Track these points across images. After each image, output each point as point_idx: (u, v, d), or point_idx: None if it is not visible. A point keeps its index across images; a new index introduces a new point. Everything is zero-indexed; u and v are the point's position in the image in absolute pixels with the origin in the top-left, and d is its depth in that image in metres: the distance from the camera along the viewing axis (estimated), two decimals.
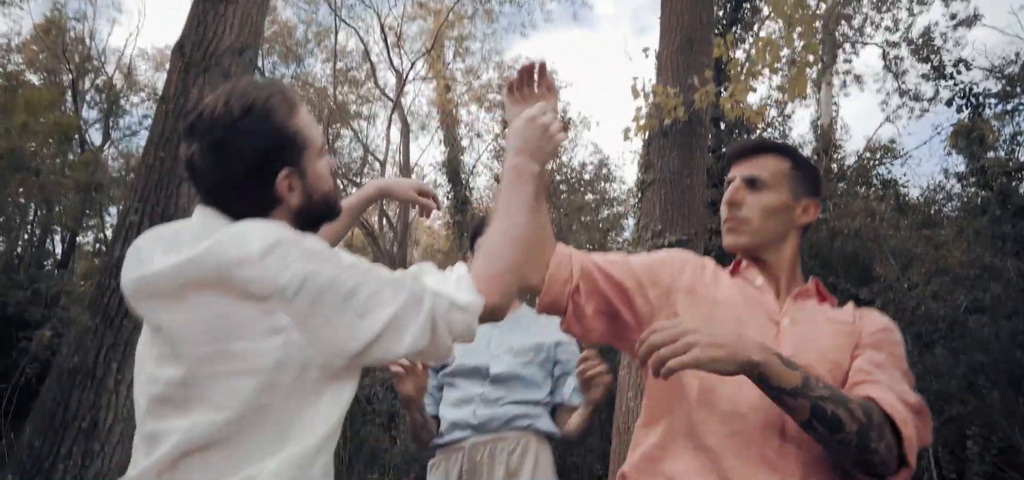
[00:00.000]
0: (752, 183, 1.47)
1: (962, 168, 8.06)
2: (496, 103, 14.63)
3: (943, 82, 6.86)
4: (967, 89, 6.59)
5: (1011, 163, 6.42)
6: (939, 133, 13.38)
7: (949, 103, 6.70)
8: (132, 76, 16.73)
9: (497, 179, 11.66)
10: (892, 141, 11.75)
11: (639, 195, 6.25)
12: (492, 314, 1.21)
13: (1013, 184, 6.41)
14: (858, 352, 1.35)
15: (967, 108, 6.43)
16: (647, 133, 6.17)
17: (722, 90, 6.04)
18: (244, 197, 1.14)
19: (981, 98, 6.62)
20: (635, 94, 6.03)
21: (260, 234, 1.04)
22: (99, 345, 3.75)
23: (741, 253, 1.49)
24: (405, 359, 1.22)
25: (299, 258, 1.04)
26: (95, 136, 15.88)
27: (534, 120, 1.33)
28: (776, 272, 1.47)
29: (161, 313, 1.06)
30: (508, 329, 2.34)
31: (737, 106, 5.76)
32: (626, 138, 6.13)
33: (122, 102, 16.45)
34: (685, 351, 1.11)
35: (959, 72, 6.64)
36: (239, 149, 1.12)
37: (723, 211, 1.50)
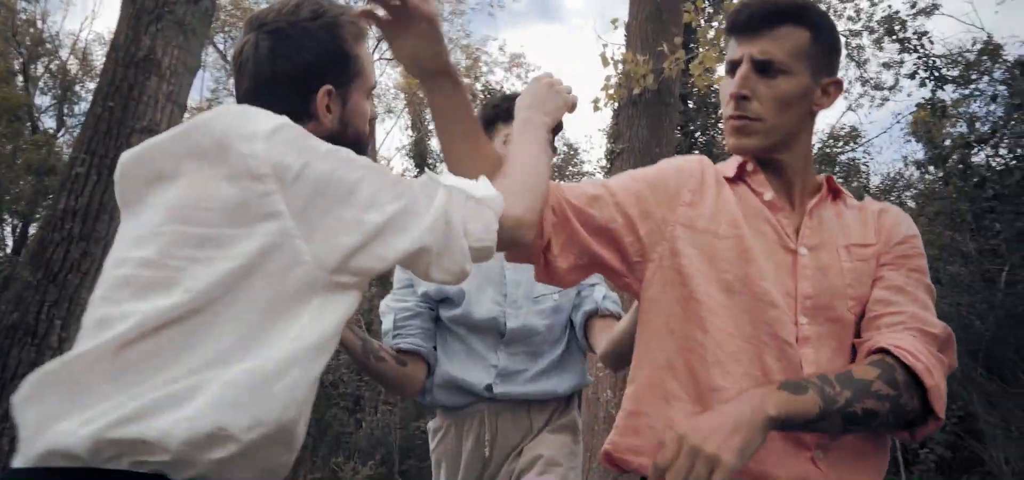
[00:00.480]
0: (765, 68, 1.19)
1: (921, 156, 8.22)
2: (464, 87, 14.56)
3: (907, 55, 6.97)
4: (930, 61, 6.71)
5: (972, 136, 6.54)
6: (899, 121, 13.68)
7: (912, 76, 6.82)
8: (87, 61, 16.19)
9: None
10: (854, 129, 11.94)
11: (608, 165, 6.21)
12: (513, 232, 1.09)
13: (972, 156, 6.54)
14: (879, 273, 1.22)
15: (930, 81, 6.54)
16: (616, 103, 6.13)
17: (692, 60, 6.01)
18: (280, 99, 1.07)
19: (942, 72, 6.74)
20: (605, 62, 5.99)
21: (268, 115, 0.98)
22: (41, 301, 3.54)
23: (749, 157, 1.28)
24: (409, 259, 1.02)
25: (305, 145, 0.97)
26: (49, 123, 15.37)
27: (540, 80, 1.33)
28: (790, 175, 1.26)
29: (152, 193, 0.97)
30: (526, 269, 2.00)
31: (707, 74, 5.75)
32: (596, 108, 6.08)
33: (77, 88, 15.92)
34: (713, 470, 0.95)
35: (922, 45, 6.75)
36: (296, 47, 1.10)
37: (727, 107, 1.24)
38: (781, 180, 1.26)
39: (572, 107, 1.34)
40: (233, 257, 0.91)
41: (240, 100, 1.11)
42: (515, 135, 1.26)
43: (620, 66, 5.93)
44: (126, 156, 1.02)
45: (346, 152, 1.01)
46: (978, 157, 7.06)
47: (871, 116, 17.86)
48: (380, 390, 6.73)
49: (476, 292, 1.89)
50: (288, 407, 0.91)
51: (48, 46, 15.56)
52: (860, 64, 13.31)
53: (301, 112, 1.10)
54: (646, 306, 1.26)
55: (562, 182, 1.27)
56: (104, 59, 4.38)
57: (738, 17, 1.26)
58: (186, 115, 4.35)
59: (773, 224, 1.23)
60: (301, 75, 1.10)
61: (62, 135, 15.63)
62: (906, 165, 9.29)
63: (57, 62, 15.74)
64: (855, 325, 1.19)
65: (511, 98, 1.78)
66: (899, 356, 1.08)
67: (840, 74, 1.31)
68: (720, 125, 9.45)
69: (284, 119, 0.98)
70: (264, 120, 0.97)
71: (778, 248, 1.21)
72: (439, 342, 1.92)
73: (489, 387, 1.86)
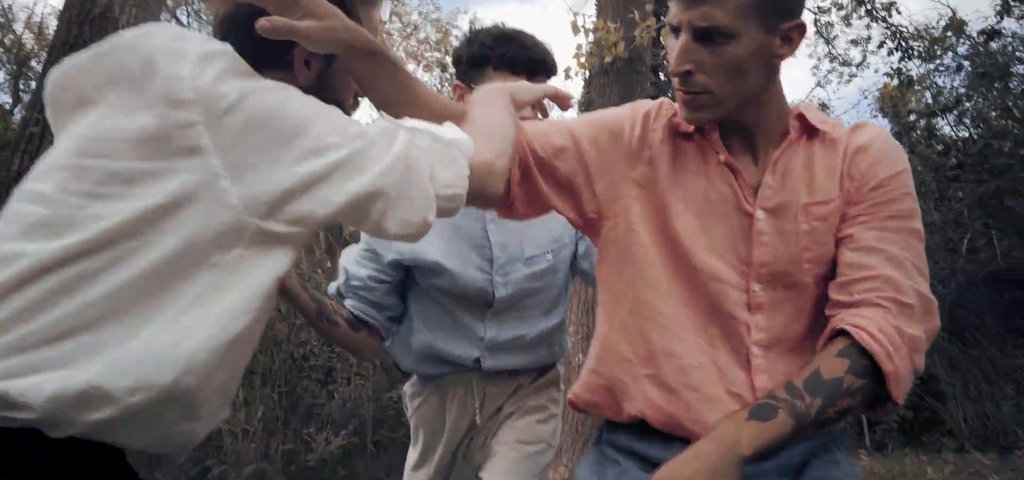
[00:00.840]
0: (707, 35, 1.05)
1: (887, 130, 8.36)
2: (435, 62, 14.38)
3: (875, 25, 7.08)
4: (897, 31, 6.81)
5: (937, 106, 6.66)
6: (866, 97, 13.89)
7: (881, 45, 6.93)
8: (44, 35, 15.61)
9: None
10: (824, 105, 12.07)
11: None
12: (483, 180, 0.96)
13: (937, 127, 6.66)
14: (848, 231, 1.11)
15: (898, 51, 6.65)
16: (588, 71, 6.11)
17: (663, 27, 6.01)
18: (252, 41, 0.91)
19: (909, 43, 6.85)
20: (575, 31, 5.95)
21: (206, 38, 0.88)
22: None
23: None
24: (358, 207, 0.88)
25: (246, 75, 0.86)
26: (3, 98, 14.85)
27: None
28: (753, 131, 1.15)
29: (74, 120, 0.88)
30: (516, 228, 1.73)
31: None
32: (567, 77, 6.05)
33: (33, 63, 15.39)
34: None
35: (890, 14, 6.86)
36: None
37: (674, 79, 1.12)
38: (743, 136, 1.16)
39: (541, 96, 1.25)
40: (142, 196, 0.80)
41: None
42: (473, 102, 1.15)
43: (591, 35, 5.90)
44: (52, 77, 0.91)
45: (297, 93, 0.89)
46: (943, 128, 7.20)
47: (839, 92, 18.17)
48: (352, 362, 6.66)
49: (457, 258, 1.70)
50: (187, 373, 0.80)
51: (1, 20, 15.00)
52: (829, 41, 13.49)
53: (271, 57, 0.95)
54: (603, 265, 1.24)
55: (529, 127, 1.19)
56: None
57: None
58: None
59: (731, 184, 1.14)
60: None
61: (18, 111, 15.14)
62: None
63: (11, 37, 15.20)
64: (816, 286, 1.13)
65: (509, 41, 1.62)
66: (858, 340, 1.02)
67: (807, 30, 1.17)
68: None
69: (226, 46, 0.87)
70: (198, 42, 0.86)
71: (734, 211, 1.14)
72: (418, 309, 1.76)
73: (478, 360, 1.74)
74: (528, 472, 1.74)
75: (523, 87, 1.24)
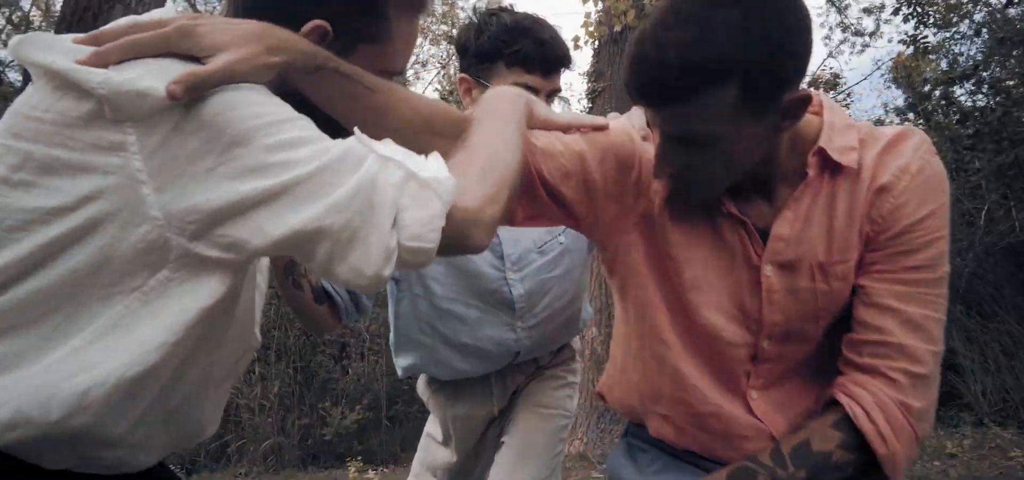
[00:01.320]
0: (688, 141, 0.93)
1: (901, 103, 8.22)
2: (442, 35, 14.25)
3: None
4: None
5: (954, 72, 6.53)
6: (879, 68, 13.65)
7: (896, 12, 6.77)
8: (50, 11, 15.62)
9: None
10: (836, 75, 11.89)
11: (590, 105, 6.13)
12: (464, 230, 0.78)
13: (955, 94, 6.54)
14: (864, 281, 1.00)
15: (913, 18, 6.50)
16: (597, 41, 6.03)
17: None
18: (251, 9, 0.83)
19: (926, 8, 6.70)
20: None
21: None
22: None
23: None
24: (304, 242, 0.73)
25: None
26: (14, 76, 14.85)
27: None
28: (767, 174, 1.02)
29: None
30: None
31: None
32: (576, 46, 5.98)
33: None
34: None
35: None
36: None
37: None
38: (754, 178, 1.03)
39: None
40: (54, 192, 0.68)
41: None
42: (479, 113, 0.95)
43: (601, 2, 5.82)
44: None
45: (263, 94, 0.73)
46: (960, 96, 7.07)
47: (851, 63, 17.89)
48: (365, 337, 6.69)
49: (467, 259, 1.60)
50: (79, 411, 0.68)
51: None
52: (841, 9, 13.23)
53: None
54: (613, 279, 1.19)
55: (538, 140, 1.04)
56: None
57: (637, 81, 0.91)
58: None
59: (739, 235, 1.04)
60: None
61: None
62: (886, 112, 9.29)
63: (18, 13, 15.18)
64: (827, 331, 1.07)
65: (523, 35, 1.45)
66: (853, 417, 0.97)
67: (813, 98, 1.02)
68: None
69: None
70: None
71: (742, 263, 1.05)
72: (434, 315, 1.63)
73: (514, 355, 1.68)
74: (546, 433, 1.74)
75: (547, 110, 1.08)
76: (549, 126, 1.04)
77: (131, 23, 0.75)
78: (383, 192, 0.73)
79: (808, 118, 1.01)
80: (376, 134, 0.81)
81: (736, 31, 0.84)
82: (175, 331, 0.72)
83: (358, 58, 0.88)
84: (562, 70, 1.54)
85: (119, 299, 0.70)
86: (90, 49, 0.70)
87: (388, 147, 0.78)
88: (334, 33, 0.86)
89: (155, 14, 0.79)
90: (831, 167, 0.99)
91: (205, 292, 0.73)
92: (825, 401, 1.04)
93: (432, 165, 0.79)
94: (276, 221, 0.70)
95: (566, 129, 1.06)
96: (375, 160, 0.75)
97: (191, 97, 0.68)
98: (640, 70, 0.90)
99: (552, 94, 1.52)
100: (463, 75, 1.53)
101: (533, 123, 1.02)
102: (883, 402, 0.97)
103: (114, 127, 0.67)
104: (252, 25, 0.77)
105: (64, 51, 0.70)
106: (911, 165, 0.98)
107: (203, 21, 0.74)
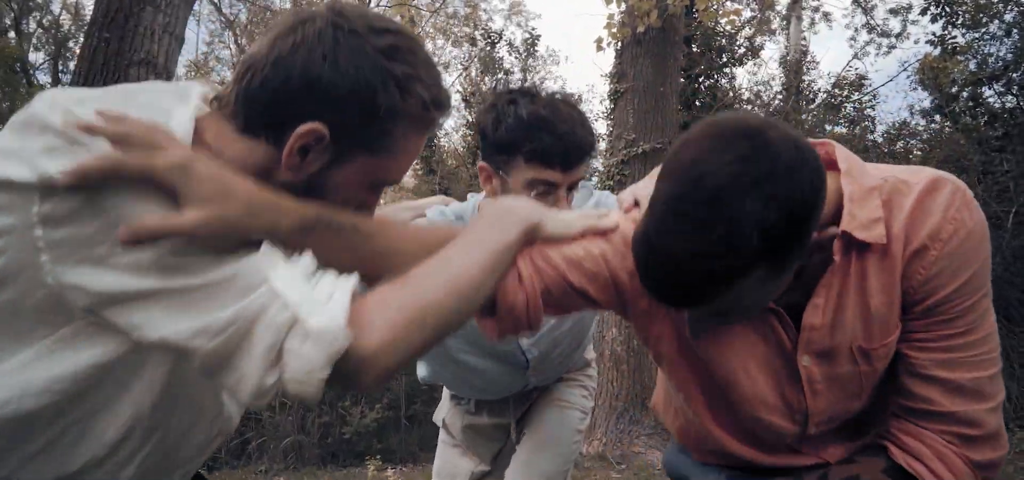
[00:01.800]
0: (719, 316, 0.96)
1: (928, 104, 8.09)
2: (465, 37, 14.28)
3: None
4: None
5: (983, 73, 6.42)
6: (905, 69, 13.45)
7: (924, 12, 6.66)
8: (80, 15, 15.93)
9: (468, 123, 11.13)
10: (862, 77, 11.72)
11: (612, 106, 6.11)
12: (357, 368, 0.75)
13: (983, 96, 6.42)
14: (906, 350, 0.95)
15: (941, 18, 6.39)
16: (620, 42, 6.01)
17: None
18: (252, 116, 0.81)
19: (955, 7, 6.58)
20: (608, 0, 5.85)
21: (98, 94, 0.74)
22: None
23: None
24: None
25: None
26: (44, 78, 15.16)
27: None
28: (807, 277, 0.96)
29: None
30: None
31: (712, 9, 5.61)
32: (599, 48, 5.97)
33: (70, 44, 15.66)
34: None
35: None
36: (303, 59, 0.79)
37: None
38: (793, 286, 0.97)
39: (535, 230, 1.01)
40: None
41: None
42: (462, 237, 0.92)
43: (624, 3, 5.80)
44: None
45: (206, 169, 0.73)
46: (989, 97, 6.95)
47: (877, 65, 17.61)
48: None
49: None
50: None
51: (39, 1, 15.27)
52: (867, 10, 13.07)
53: (260, 136, 0.82)
54: (649, 353, 1.18)
55: (560, 251, 1.04)
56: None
57: (656, 291, 0.87)
58: (182, 61, 4.25)
59: (773, 325, 0.99)
60: (281, 94, 0.80)
61: None
62: (912, 115, 9.16)
63: (49, 18, 15.48)
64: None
65: (541, 129, 1.36)
66: (908, 469, 0.94)
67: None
68: (725, 69, 9.27)
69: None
70: (84, 95, 0.73)
71: (777, 355, 1.00)
72: (449, 358, 1.72)
73: (525, 385, 1.80)
74: (564, 425, 1.83)
75: (558, 224, 1.05)
76: (560, 241, 1.03)
77: (150, 126, 0.73)
78: (263, 332, 0.72)
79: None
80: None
81: (758, 223, 0.76)
82: (62, 381, 0.74)
83: (353, 167, 0.86)
84: (585, 161, 1.44)
85: (36, 341, 0.73)
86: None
87: (284, 282, 0.74)
88: (331, 138, 0.83)
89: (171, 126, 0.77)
90: (858, 246, 0.92)
91: (101, 350, 0.74)
92: (878, 438, 1.02)
93: (328, 310, 0.75)
94: (150, 323, 0.71)
95: (578, 239, 1.05)
96: (265, 293, 0.73)
97: (143, 238, 0.69)
98: (658, 280, 0.85)
99: (573, 186, 1.43)
100: (483, 164, 1.47)
101: (542, 241, 1.02)
102: (943, 452, 0.93)
103: (26, 209, 0.68)
104: (241, 185, 0.75)
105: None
106: (942, 230, 0.90)
107: (201, 166, 0.73)
